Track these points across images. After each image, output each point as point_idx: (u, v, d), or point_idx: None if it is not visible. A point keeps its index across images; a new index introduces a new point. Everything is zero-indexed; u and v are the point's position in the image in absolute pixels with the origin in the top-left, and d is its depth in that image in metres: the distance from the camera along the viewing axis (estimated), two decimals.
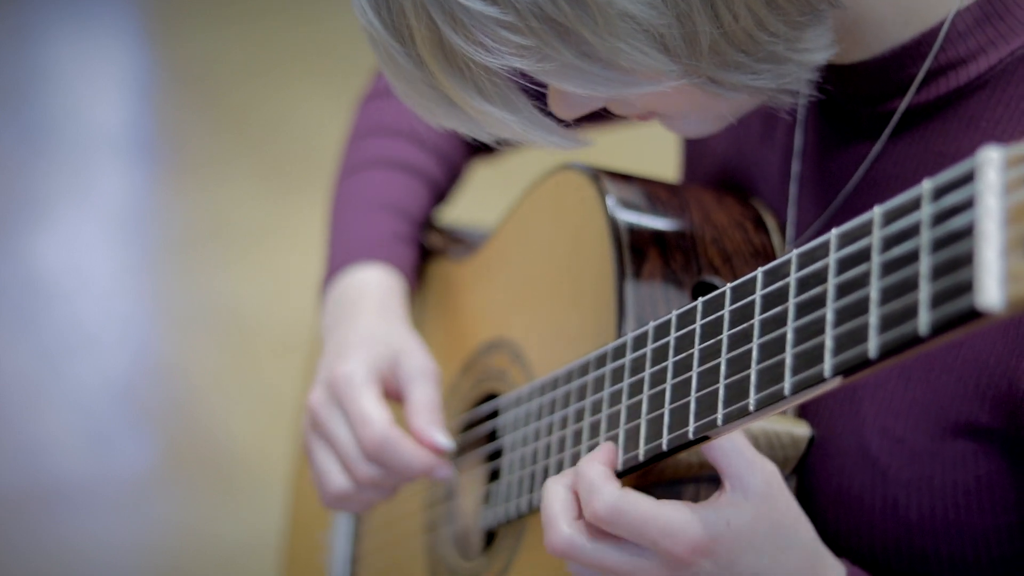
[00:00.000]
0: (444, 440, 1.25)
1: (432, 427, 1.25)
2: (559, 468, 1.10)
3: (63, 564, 2.72)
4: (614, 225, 1.13)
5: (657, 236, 1.12)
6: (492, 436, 1.28)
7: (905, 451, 1.05)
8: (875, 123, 1.07)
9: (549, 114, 1.02)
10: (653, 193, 1.15)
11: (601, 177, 1.16)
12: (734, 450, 0.98)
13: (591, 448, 1.04)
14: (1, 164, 3.60)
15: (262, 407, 3.00)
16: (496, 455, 1.26)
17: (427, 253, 1.50)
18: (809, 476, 1.08)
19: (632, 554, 0.99)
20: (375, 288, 1.39)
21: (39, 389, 3.05)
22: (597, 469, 1.00)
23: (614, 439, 1.02)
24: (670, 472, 1.05)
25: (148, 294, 3.38)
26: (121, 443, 3.00)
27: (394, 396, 1.30)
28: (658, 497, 1.04)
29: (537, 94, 1.01)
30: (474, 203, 1.81)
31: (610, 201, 1.14)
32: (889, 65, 1.04)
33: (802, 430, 1.06)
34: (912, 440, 1.04)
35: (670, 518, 0.97)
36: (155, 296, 3.37)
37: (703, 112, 1.04)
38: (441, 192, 1.49)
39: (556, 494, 1.01)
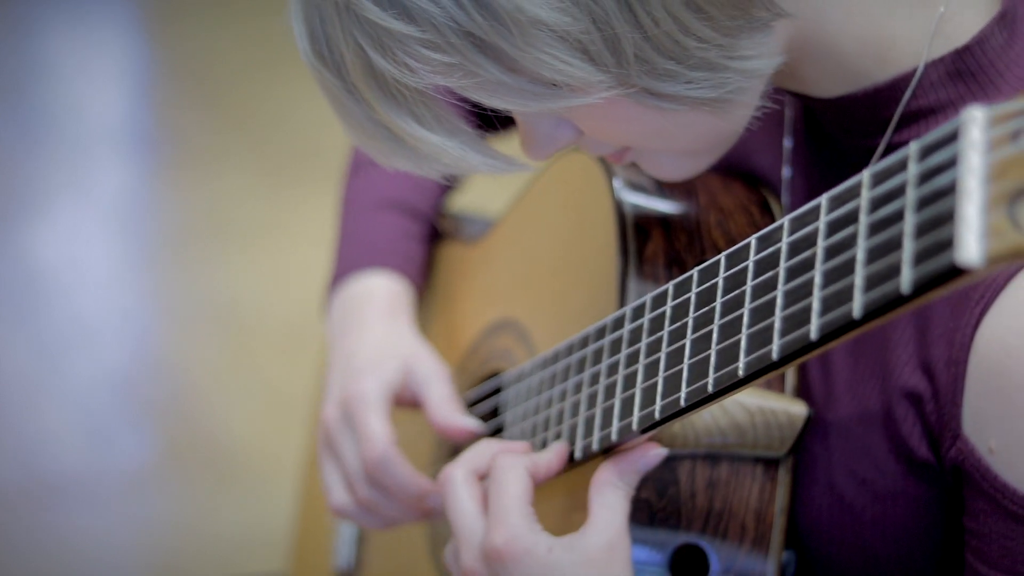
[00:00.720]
0: (471, 422, 1.27)
1: (455, 415, 1.28)
2: (555, 441, 1.10)
3: (61, 559, 2.71)
4: (619, 206, 1.14)
5: (662, 217, 1.13)
6: (495, 413, 1.29)
7: (870, 492, 1.06)
8: (858, 155, 1.07)
9: (487, 137, 1.02)
10: None
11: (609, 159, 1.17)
12: (612, 505, 1.02)
13: (588, 419, 1.06)
14: (0, 158, 3.60)
15: (260, 401, 3.00)
16: (499, 431, 1.27)
17: (437, 235, 1.51)
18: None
19: (476, 512, 1.07)
20: (382, 295, 1.41)
21: (37, 384, 3.05)
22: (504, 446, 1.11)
23: (610, 409, 1.03)
24: (666, 445, 1.05)
25: (147, 289, 3.38)
26: (119, 438, 2.99)
27: (410, 403, 1.33)
28: (654, 471, 1.06)
29: (478, 116, 1.01)
30: (484, 190, 1.82)
31: (616, 183, 1.15)
32: (866, 104, 1.04)
33: (798, 408, 1.07)
34: (874, 481, 1.06)
35: (524, 506, 1.04)
36: (154, 291, 3.37)
37: (660, 141, 1.02)
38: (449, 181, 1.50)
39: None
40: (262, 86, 3.85)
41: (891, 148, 1.04)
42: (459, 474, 1.10)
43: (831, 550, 1.09)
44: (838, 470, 1.07)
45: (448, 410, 1.28)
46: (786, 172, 1.15)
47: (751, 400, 1.06)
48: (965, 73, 1.01)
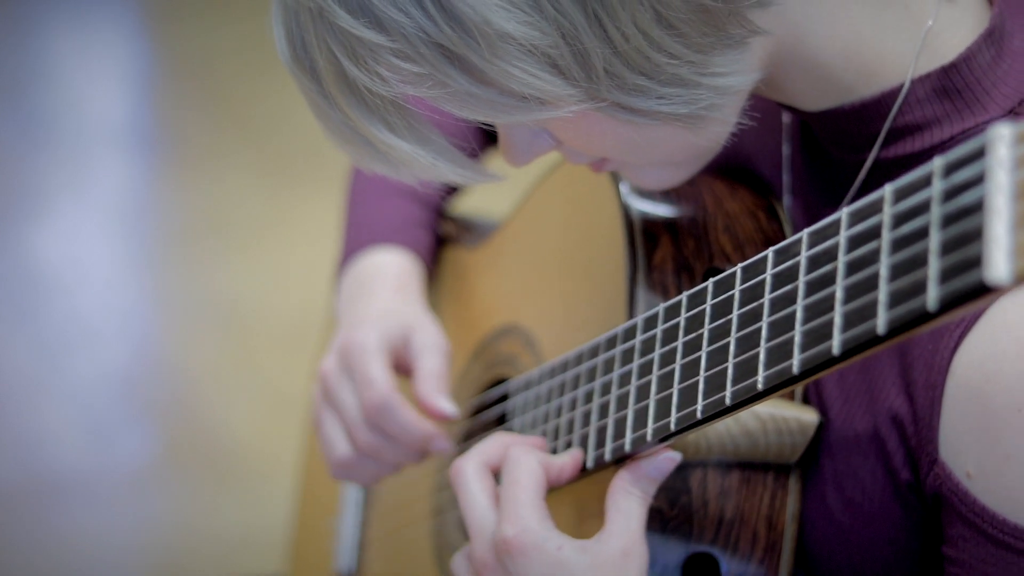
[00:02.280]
0: (449, 406, 1.26)
1: (437, 393, 1.27)
2: (567, 449, 1.10)
3: (62, 558, 2.71)
4: (627, 211, 1.13)
5: (669, 223, 1.13)
6: (502, 420, 1.29)
7: (859, 515, 1.06)
8: (848, 168, 1.06)
9: (459, 146, 1.01)
10: None
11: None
12: (628, 511, 1.02)
13: (600, 429, 1.05)
14: (1, 157, 3.59)
15: (261, 400, 3.00)
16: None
17: (441, 241, 1.51)
18: None
19: (488, 505, 1.07)
20: (392, 268, 1.41)
21: (38, 383, 3.05)
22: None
23: (623, 419, 1.02)
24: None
25: (148, 288, 3.38)
26: (120, 436, 2.99)
27: (404, 370, 1.31)
28: (666, 480, 1.06)
29: (450, 125, 1.02)
30: (488, 192, 1.82)
31: (623, 187, 1.14)
32: (854, 118, 1.03)
33: (810, 416, 1.07)
34: (862, 504, 1.06)
35: (537, 499, 1.04)
36: (155, 290, 3.37)
37: (637, 153, 1.02)
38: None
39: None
40: (263, 86, 3.84)
41: (878, 163, 1.04)
42: (470, 466, 1.09)
43: (826, 569, 1.09)
44: (830, 491, 1.07)
45: (432, 385, 1.28)
46: (785, 178, 1.14)
47: (763, 408, 1.06)
48: (951, 90, 1.00)
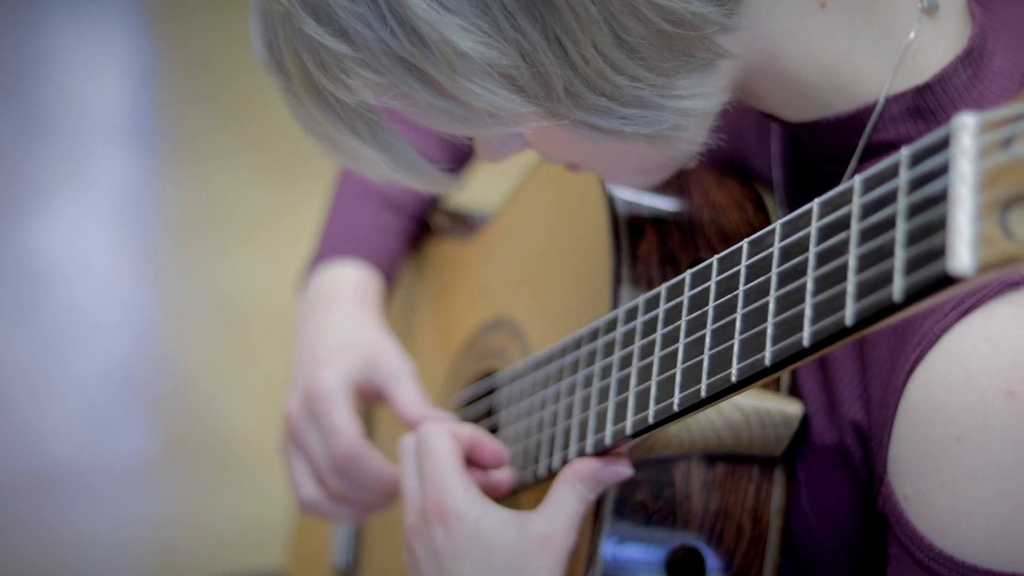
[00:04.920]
0: (445, 414, 1.27)
1: (428, 409, 1.28)
2: (551, 444, 1.10)
3: (62, 551, 2.72)
4: (612, 203, 1.13)
5: (655, 215, 1.13)
6: (490, 413, 1.29)
7: (830, 523, 1.06)
8: (830, 178, 1.06)
9: (424, 154, 1.02)
10: None
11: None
12: (562, 502, 1.04)
13: (583, 421, 1.05)
14: (1, 149, 3.60)
15: (260, 394, 3.00)
16: (494, 432, 1.27)
17: (431, 233, 1.51)
18: None
19: (414, 475, 1.11)
20: (349, 285, 1.42)
21: (38, 376, 3.05)
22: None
23: (604, 411, 1.02)
24: (661, 446, 1.06)
25: (147, 282, 3.38)
26: (120, 430, 3.00)
27: (373, 397, 1.33)
28: (650, 473, 1.07)
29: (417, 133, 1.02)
30: (483, 184, 1.82)
31: None
32: (831, 133, 1.02)
33: (794, 408, 1.06)
34: (833, 511, 1.06)
35: (454, 470, 1.07)
36: (154, 284, 3.37)
37: (608, 162, 1.03)
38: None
39: None
40: (263, 80, 3.81)
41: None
42: (410, 442, 1.13)
43: (800, 565, 1.09)
44: (803, 494, 1.07)
45: (419, 406, 1.29)
46: (776, 174, 1.14)
47: (746, 401, 1.06)
48: (925, 111, 0.99)
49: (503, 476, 1.16)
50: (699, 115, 0.96)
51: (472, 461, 1.15)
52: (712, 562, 1.07)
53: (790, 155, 1.12)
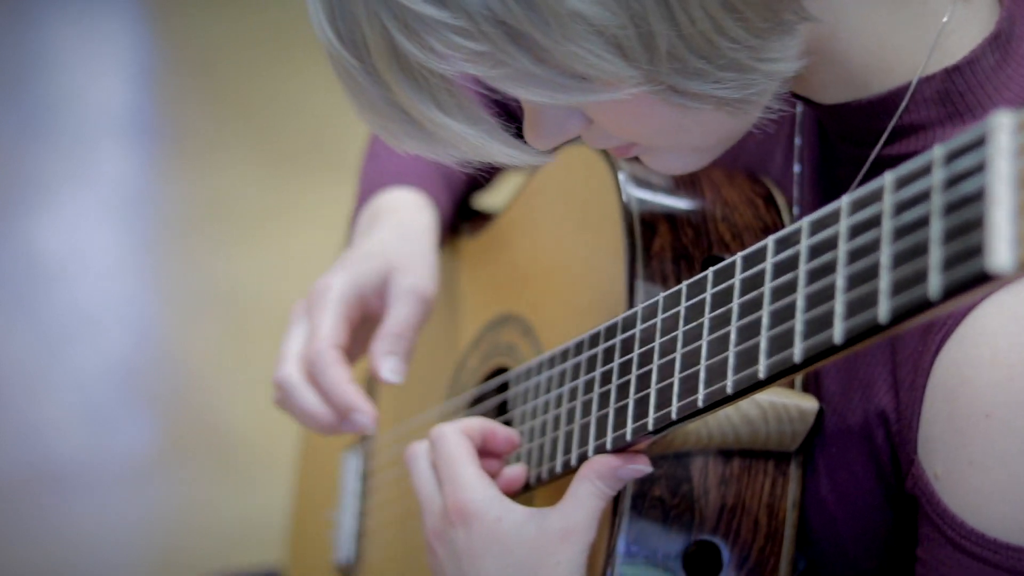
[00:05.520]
0: (391, 372, 1.24)
1: (385, 354, 1.24)
2: (568, 440, 1.11)
3: (64, 546, 2.72)
4: (625, 200, 1.13)
5: (668, 211, 1.13)
6: (501, 410, 1.29)
7: (850, 507, 1.07)
8: (854, 163, 1.06)
9: (508, 127, 0.99)
10: None
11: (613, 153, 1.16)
12: (582, 499, 1.04)
13: (601, 419, 1.05)
14: (2, 146, 3.60)
15: (261, 389, 2.98)
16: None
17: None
18: None
19: (436, 482, 1.11)
20: (405, 205, 1.37)
21: (39, 372, 3.06)
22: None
23: (624, 409, 1.03)
24: (679, 443, 1.06)
25: (148, 278, 3.38)
26: (121, 425, 3.00)
27: (376, 314, 1.29)
28: (667, 469, 1.07)
29: (499, 106, 0.99)
30: None
31: (622, 176, 1.14)
32: (861, 115, 1.03)
33: (810, 404, 1.07)
34: (853, 496, 1.06)
35: (471, 469, 1.08)
36: (155, 280, 3.38)
37: (675, 138, 1.01)
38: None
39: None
40: (264, 76, 3.85)
41: (881, 160, 1.04)
42: (421, 447, 1.13)
43: (819, 557, 1.10)
44: (823, 483, 1.08)
45: (387, 345, 1.25)
46: (796, 167, 1.14)
47: (763, 396, 1.06)
48: (953, 93, 1.00)
49: (517, 473, 1.16)
50: (780, 78, 0.96)
51: (486, 451, 1.15)
52: (728, 557, 1.07)
53: (813, 145, 1.12)
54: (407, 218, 1.34)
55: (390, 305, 1.26)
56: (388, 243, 1.30)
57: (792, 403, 1.07)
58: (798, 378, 1.09)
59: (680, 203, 1.14)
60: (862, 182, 1.05)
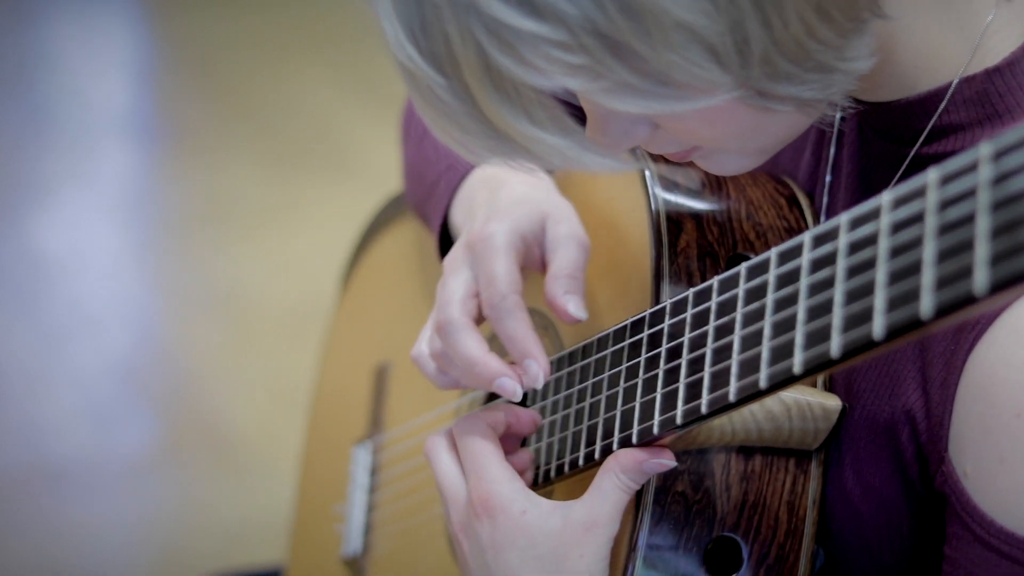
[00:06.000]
0: (577, 309, 1.15)
1: (567, 295, 1.15)
2: (591, 435, 1.11)
3: (63, 545, 2.72)
4: (651, 197, 1.14)
5: (694, 209, 1.14)
6: (524, 404, 1.29)
7: (875, 499, 1.07)
8: (891, 161, 1.07)
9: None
10: (690, 167, 1.16)
11: (638, 151, 1.17)
12: (606, 492, 1.05)
13: (626, 413, 1.06)
14: (3, 145, 3.59)
15: (262, 387, 3.01)
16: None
17: None
18: None
19: (460, 473, 1.11)
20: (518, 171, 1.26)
21: (40, 371, 3.05)
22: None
23: (651, 402, 1.03)
24: (703, 439, 1.07)
25: (150, 277, 3.38)
26: (122, 423, 3.00)
27: (537, 266, 1.22)
28: (690, 464, 1.08)
29: (575, 110, 0.96)
30: None
31: (648, 174, 1.15)
32: (902, 114, 1.03)
33: (834, 402, 1.07)
34: (879, 489, 1.07)
35: (496, 461, 1.08)
36: (157, 279, 3.37)
37: (743, 140, 1.00)
38: None
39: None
40: (265, 75, 3.85)
41: (919, 159, 1.04)
42: (441, 440, 1.13)
43: (841, 550, 1.10)
44: (849, 476, 1.08)
45: (564, 285, 1.15)
46: (828, 177, 1.15)
47: (787, 394, 1.07)
48: (993, 94, 1.00)
49: (523, 459, 1.16)
50: (855, 76, 0.95)
51: (510, 434, 1.16)
52: (748, 553, 1.08)
53: (849, 144, 1.12)
54: (533, 178, 1.26)
55: (553, 251, 1.18)
56: (532, 193, 1.23)
57: (816, 401, 1.07)
58: (820, 377, 1.10)
59: (706, 202, 1.15)
60: (900, 181, 1.05)
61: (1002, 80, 1.00)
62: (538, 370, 1.12)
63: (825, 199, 1.14)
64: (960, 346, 0.98)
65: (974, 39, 1.00)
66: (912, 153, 1.04)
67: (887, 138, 1.06)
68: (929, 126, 1.02)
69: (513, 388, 1.12)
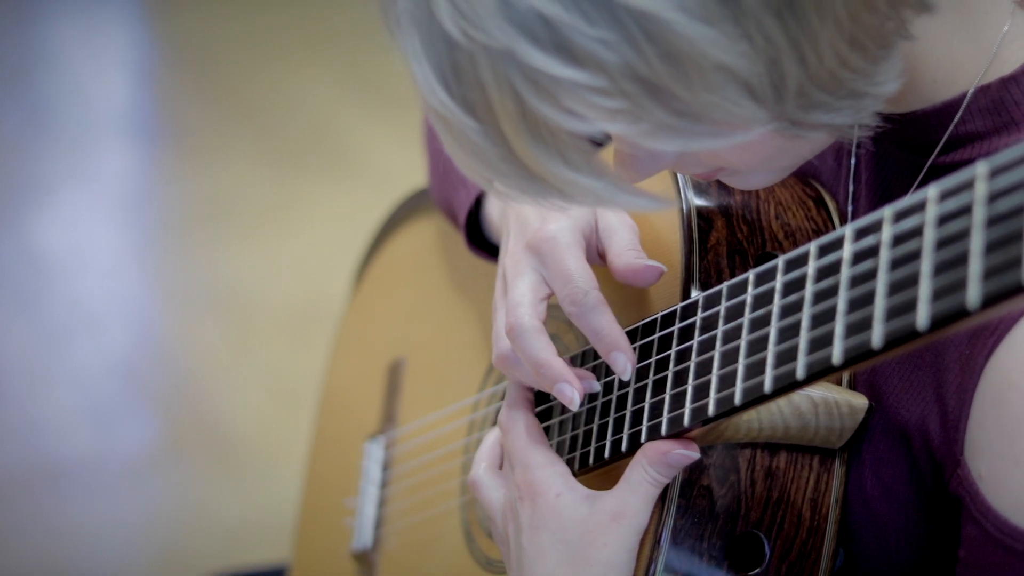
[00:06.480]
0: (656, 264, 1.15)
1: (639, 259, 1.15)
2: (618, 427, 1.12)
3: (65, 543, 2.72)
4: (682, 195, 1.15)
5: (723, 207, 1.14)
6: (551, 397, 1.29)
7: (893, 500, 1.08)
8: (909, 170, 1.07)
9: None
10: None
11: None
12: (634, 484, 1.06)
13: (655, 405, 1.07)
14: (4, 144, 3.59)
15: (262, 386, 3.00)
16: (550, 415, 1.27)
17: None
18: None
19: (499, 488, 1.15)
20: None
21: (41, 370, 3.05)
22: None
23: (683, 393, 1.04)
24: (730, 434, 1.08)
25: (150, 276, 3.38)
26: (123, 422, 3.00)
27: (595, 258, 1.20)
28: (716, 459, 1.09)
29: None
30: None
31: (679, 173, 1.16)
32: (923, 124, 1.03)
33: (860, 401, 1.08)
34: (897, 491, 1.08)
35: (537, 446, 1.11)
36: (157, 278, 3.37)
37: (772, 162, 1.01)
38: None
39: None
40: (266, 74, 3.84)
41: (936, 168, 1.05)
42: (483, 474, 1.17)
43: (860, 549, 1.11)
44: (868, 472, 1.09)
45: (634, 254, 1.15)
46: (851, 186, 1.15)
47: (815, 390, 1.07)
48: (1009, 103, 1.00)
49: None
50: (885, 99, 0.95)
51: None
52: (771, 549, 1.08)
53: (869, 153, 1.13)
54: None
55: (608, 237, 1.18)
56: None
57: (843, 399, 1.08)
58: (845, 376, 1.10)
59: (736, 199, 1.15)
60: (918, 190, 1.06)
61: (1017, 88, 1.00)
62: (626, 362, 1.11)
63: (850, 207, 1.15)
64: (978, 351, 0.98)
65: (990, 49, 1.00)
66: (929, 163, 1.05)
67: (905, 148, 1.07)
68: (945, 136, 1.03)
69: (571, 396, 1.12)
